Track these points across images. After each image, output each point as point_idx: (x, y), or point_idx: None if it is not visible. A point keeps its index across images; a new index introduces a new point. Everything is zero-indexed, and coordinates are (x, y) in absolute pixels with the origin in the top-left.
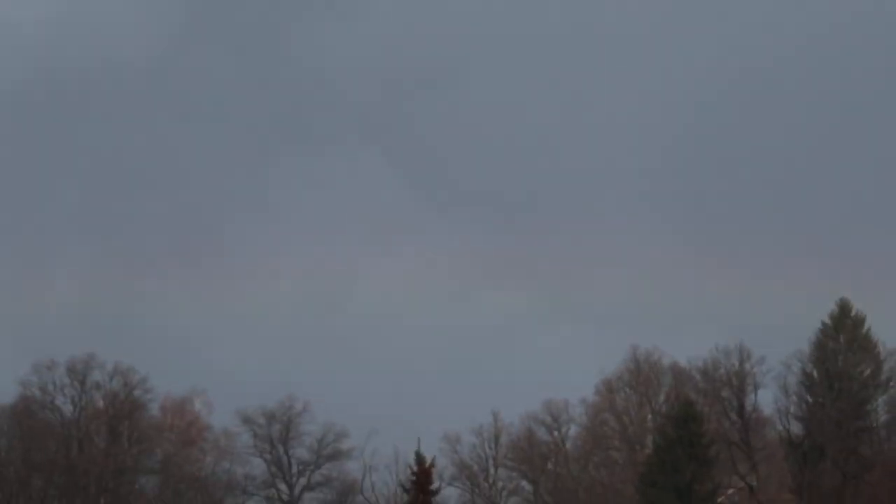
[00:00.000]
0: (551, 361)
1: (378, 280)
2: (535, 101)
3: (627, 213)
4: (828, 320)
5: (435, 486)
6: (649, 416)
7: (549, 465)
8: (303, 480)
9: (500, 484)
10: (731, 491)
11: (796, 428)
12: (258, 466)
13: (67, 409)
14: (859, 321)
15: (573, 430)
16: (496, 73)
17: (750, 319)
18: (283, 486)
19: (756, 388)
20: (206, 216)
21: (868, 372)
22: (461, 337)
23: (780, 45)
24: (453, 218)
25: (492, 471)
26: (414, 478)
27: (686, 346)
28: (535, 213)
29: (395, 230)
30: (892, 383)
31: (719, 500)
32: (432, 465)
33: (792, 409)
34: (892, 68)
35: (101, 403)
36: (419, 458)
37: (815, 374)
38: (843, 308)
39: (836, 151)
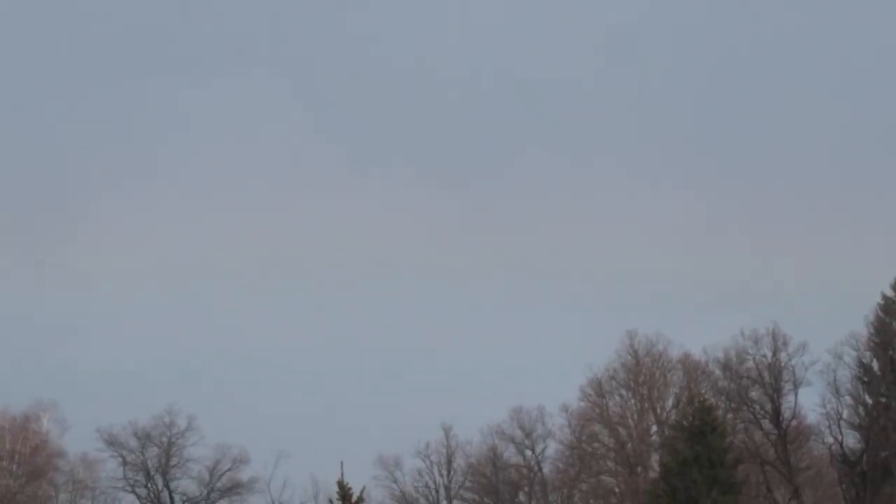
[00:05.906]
0: (519, 357)
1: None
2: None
3: (619, 172)
4: (890, 292)
5: None
6: (654, 428)
7: (521, 497)
8: None
9: None
10: None
11: (852, 439)
12: None
13: None
14: None
15: (552, 449)
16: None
17: (785, 299)
18: None
19: (797, 386)
20: (56, 184)
21: None
22: (396, 325)
23: None
24: (383, 177)
25: None
26: None
27: (701, 333)
28: (488, 177)
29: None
30: None
31: None
32: (362, 498)
33: (845, 413)
34: None
35: None
36: (343, 490)
37: (874, 365)
38: None
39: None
